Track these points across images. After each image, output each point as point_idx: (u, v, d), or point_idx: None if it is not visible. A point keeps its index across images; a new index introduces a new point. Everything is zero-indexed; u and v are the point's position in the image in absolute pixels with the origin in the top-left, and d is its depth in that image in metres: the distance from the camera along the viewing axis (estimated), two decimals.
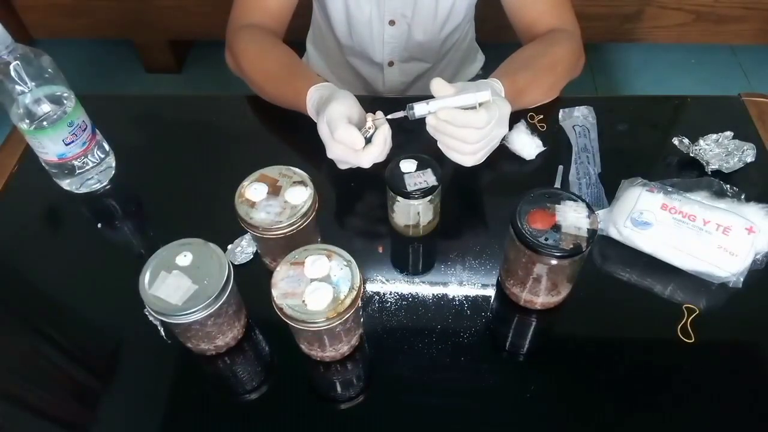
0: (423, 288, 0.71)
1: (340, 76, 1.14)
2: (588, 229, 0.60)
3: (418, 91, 1.13)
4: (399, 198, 0.68)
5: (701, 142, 0.80)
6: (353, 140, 0.66)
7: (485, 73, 1.23)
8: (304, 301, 0.56)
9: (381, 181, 0.69)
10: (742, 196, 0.73)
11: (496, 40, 1.23)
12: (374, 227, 0.77)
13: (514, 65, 0.83)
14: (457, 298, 0.70)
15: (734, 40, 1.97)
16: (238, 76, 0.91)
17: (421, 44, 1.02)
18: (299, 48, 0.98)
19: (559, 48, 0.86)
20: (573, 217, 0.61)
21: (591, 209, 0.61)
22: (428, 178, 0.67)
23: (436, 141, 0.69)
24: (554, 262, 0.59)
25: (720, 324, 0.67)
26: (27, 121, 0.72)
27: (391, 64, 1.06)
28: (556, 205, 0.62)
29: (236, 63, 0.88)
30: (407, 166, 0.69)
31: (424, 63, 1.08)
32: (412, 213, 0.70)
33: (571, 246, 0.58)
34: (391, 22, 0.98)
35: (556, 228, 0.60)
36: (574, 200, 0.62)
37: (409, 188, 0.67)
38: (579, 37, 0.89)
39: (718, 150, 0.79)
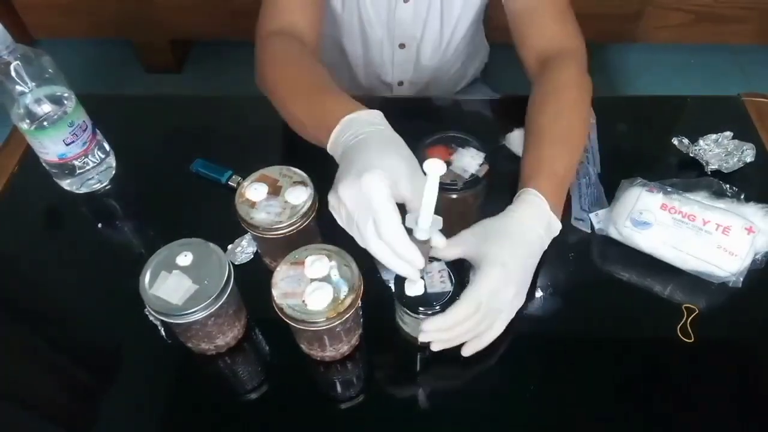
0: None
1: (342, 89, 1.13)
2: (472, 173, 0.64)
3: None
4: None
5: (701, 142, 0.80)
6: (414, 258, 0.54)
7: (482, 76, 1.22)
8: (304, 301, 0.56)
9: None
10: (742, 196, 0.73)
11: (503, 40, 1.22)
12: None
13: (538, 155, 0.70)
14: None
15: (734, 40, 1.97)
16: (259, 88, 0.78)
17: (428, 64, 1.02)
18: None
19: (568, 97, 0.78)
20: (467, 161, 0.65)
21: (488, 163, 0.65)
22: None
23: None
24: None
25: (720, 323, 0.67)
26: (27, 121, 0.72)
27: (401, 83, 1.05)
28: (460, 148, 0.66)
29: (261, 73, 0.76)
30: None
31: (433, 76, 1.07)
32: None
33: (449, 181, 0.63)
34: (401, 45, 0.97)
35: (447, 163, 0.64)
36: (480, 150, 0.67)
37: None
38: (584, 52, 0.83)
39: (718, 150, 0.79)
